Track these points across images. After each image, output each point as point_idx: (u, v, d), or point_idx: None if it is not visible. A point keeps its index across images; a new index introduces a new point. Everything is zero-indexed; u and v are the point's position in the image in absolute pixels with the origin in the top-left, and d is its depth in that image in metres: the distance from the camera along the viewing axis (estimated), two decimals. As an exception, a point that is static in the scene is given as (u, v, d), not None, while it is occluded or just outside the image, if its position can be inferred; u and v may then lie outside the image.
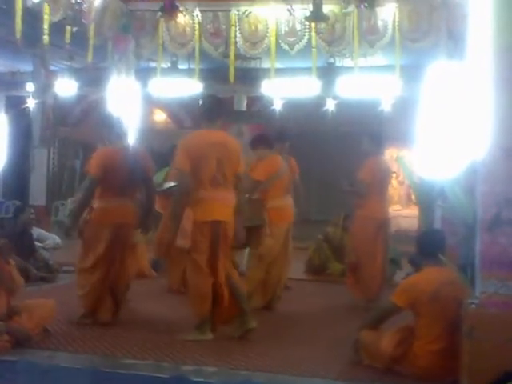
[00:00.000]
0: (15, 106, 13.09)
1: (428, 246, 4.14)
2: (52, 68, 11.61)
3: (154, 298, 6.26)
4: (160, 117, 13.94)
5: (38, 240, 8.24)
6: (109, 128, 5.22)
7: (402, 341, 3.98)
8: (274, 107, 11.54)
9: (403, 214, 10.75)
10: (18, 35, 6.47)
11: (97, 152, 5.27)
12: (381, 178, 6.31)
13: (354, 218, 6.33)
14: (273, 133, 6.63)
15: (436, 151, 6.91)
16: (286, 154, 6.29)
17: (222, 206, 4.62)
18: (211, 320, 4.63)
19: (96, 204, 5.00)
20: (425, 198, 6.75)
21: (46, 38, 7.02)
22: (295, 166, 6.55)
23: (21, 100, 12.62)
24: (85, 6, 7.34)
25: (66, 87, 11.56)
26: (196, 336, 4.56)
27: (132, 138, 8.18)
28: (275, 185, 5.84)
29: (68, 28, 7.46)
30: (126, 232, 5.04)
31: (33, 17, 7.13)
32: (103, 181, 4.95)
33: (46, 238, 9.11)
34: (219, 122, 4.77)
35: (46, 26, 7.01)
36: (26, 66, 11.97)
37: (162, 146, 10.91)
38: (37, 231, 8.33)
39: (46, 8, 6.81)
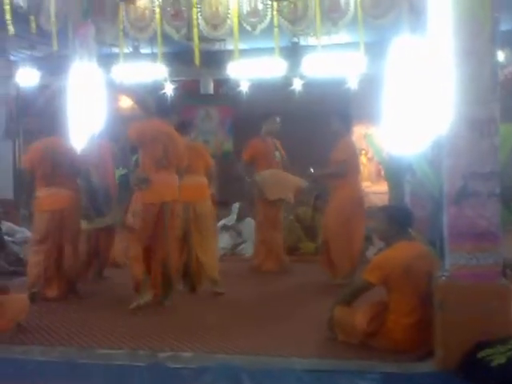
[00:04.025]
0: (-24, 99, 12.77)
1: (397, 220, 4.17)
2: (12, 58, 11.34)
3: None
4: (126, 103, 13.75)
5: (8, 234, 8.09)
6: (49, 120, 5.93)
7: (375, 316, 4.03)
8: (240, 89, 11.49)
9: (373, 191, 10.81)
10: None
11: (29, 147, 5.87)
12: (356, 157, 6.41)
13: (334, 198, 6.22)
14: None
15: (403, 127, 6.97)
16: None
17: (168, 187, 5.19)
18: (147, 283, 5.12)
19: (36, 193, 5.58)
20: (394, 174, 6.81)
21: (10, 28, 6.88)
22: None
23: (-19, 92, 12.32)
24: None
25: (27, 77, 11.30)
26: (138, 302, 5.02)
27: (97, 125, 8.07)
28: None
29: (31, 17, 7.31)
30: (60, 217, 5.49)
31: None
32: (35, 172, 5.53)
33: (16, 232, 8.95)
34: (170, 117, 5.45)
35: (8, 17, 6.86)
36: (-15, 57, 11.67)
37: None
38: (6, 225, 8.18)
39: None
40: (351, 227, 6.12)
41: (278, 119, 7.11)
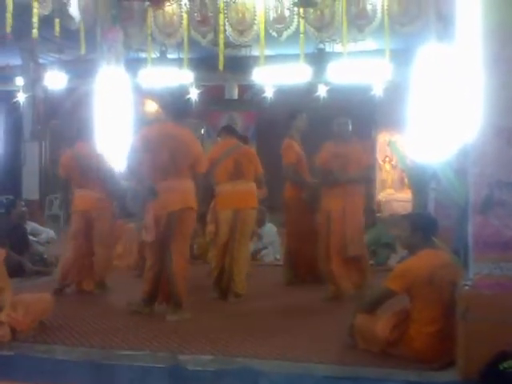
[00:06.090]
0: (5, 101, 13.04)
1: (421, 228, 4.13)
2: (41, 61, 11.53)
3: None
4: (151, 107, 13.87)
5: (32, 234, 8.21)
6: (76, 127, 6.31)
7: (397, 324, 3.99)
8: (265, 94, 11.54)
9: (396, 198, 10.75)
10: (9, 30, 6.45)
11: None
12: None
13: (351, 205, 5.78)
14: None
15: (428, 134, 6.93)
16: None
17: (175, 195, 4.86)
18: (151, 298, 5.06)
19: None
20: (418, 182, 6.75)
21: (35, 31, 7.00)
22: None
23: (11, 94, 12.55)
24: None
25: (55, 80, 11.50)
26: (138, 308, 5.04)
27: (125, 129, 8.16)
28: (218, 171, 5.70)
29: (57, 21, 7.43)
30: (89, 217, 5.84)
31: (20, 10, 7.07)
32: (69, 177, 5.96)
33: (40, 232, 9.08)
34: (182, 118, 5.19)
35: (35, 20, 6.97)
36: (15, 60, 11.88)
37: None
38: (31, 225, 8.30)
39: (35, 2, 6.78)
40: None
41: (304, 115, 6.69)
